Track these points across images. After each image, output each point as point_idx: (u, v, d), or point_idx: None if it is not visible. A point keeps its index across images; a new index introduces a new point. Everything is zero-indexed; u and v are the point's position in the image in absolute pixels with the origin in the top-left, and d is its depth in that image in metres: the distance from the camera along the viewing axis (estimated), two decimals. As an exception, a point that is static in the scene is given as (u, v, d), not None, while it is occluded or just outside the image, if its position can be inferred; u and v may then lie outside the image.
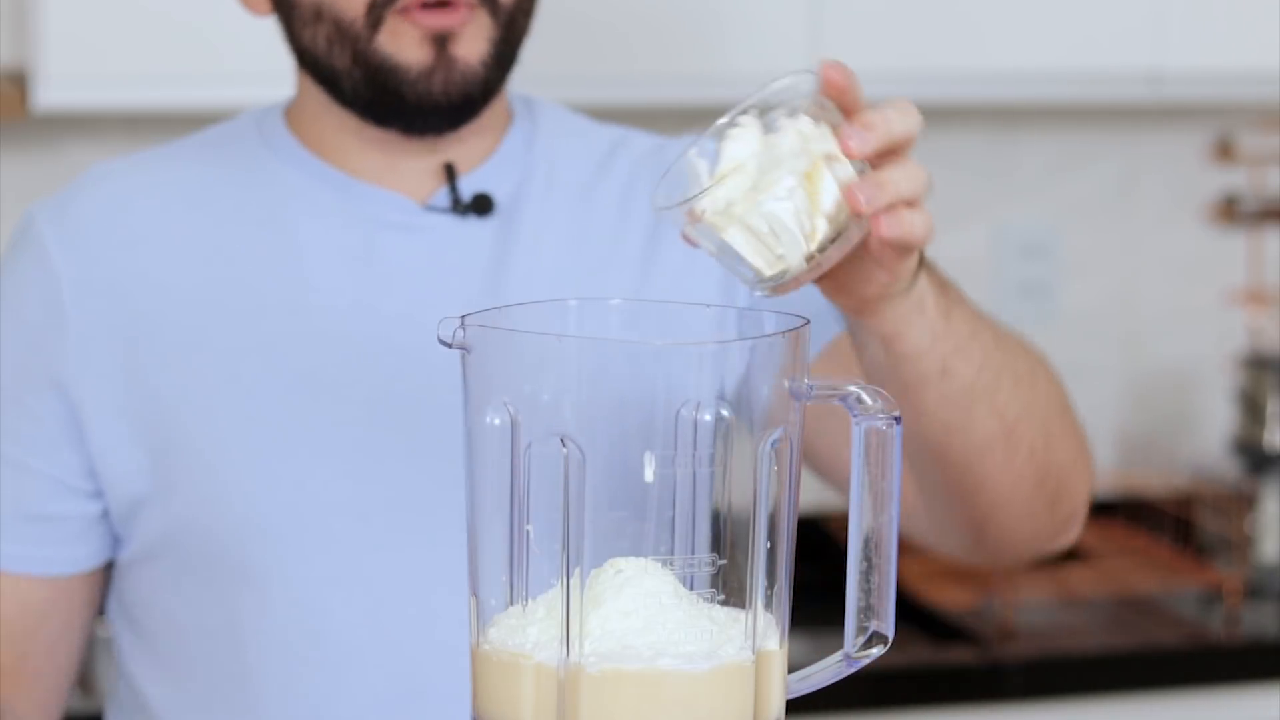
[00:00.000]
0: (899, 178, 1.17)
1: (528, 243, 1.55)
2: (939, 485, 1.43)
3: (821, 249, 1.16)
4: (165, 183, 1.56)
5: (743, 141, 1.15)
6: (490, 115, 1.56)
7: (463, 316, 1.11)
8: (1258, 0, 2.65)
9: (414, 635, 1.49)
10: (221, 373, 1.51)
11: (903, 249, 1.21)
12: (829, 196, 1.16)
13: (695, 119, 1.25)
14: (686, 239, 1.18)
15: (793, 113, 1.15)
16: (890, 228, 1.17)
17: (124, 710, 1.59)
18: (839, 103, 1.18)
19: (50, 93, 2.30)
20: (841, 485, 1.51)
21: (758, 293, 1.19)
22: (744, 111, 1.16)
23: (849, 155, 1.16)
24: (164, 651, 1.54)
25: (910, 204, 1.19)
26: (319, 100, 1.55)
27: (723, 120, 1.17)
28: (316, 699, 1.50)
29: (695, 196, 1.15)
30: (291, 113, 1.58)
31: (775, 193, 1.14)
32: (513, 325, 1.14)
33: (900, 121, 1.18)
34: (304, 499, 1.50)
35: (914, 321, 1.29)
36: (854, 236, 1.16)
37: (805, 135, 1.15)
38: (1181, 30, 2.63)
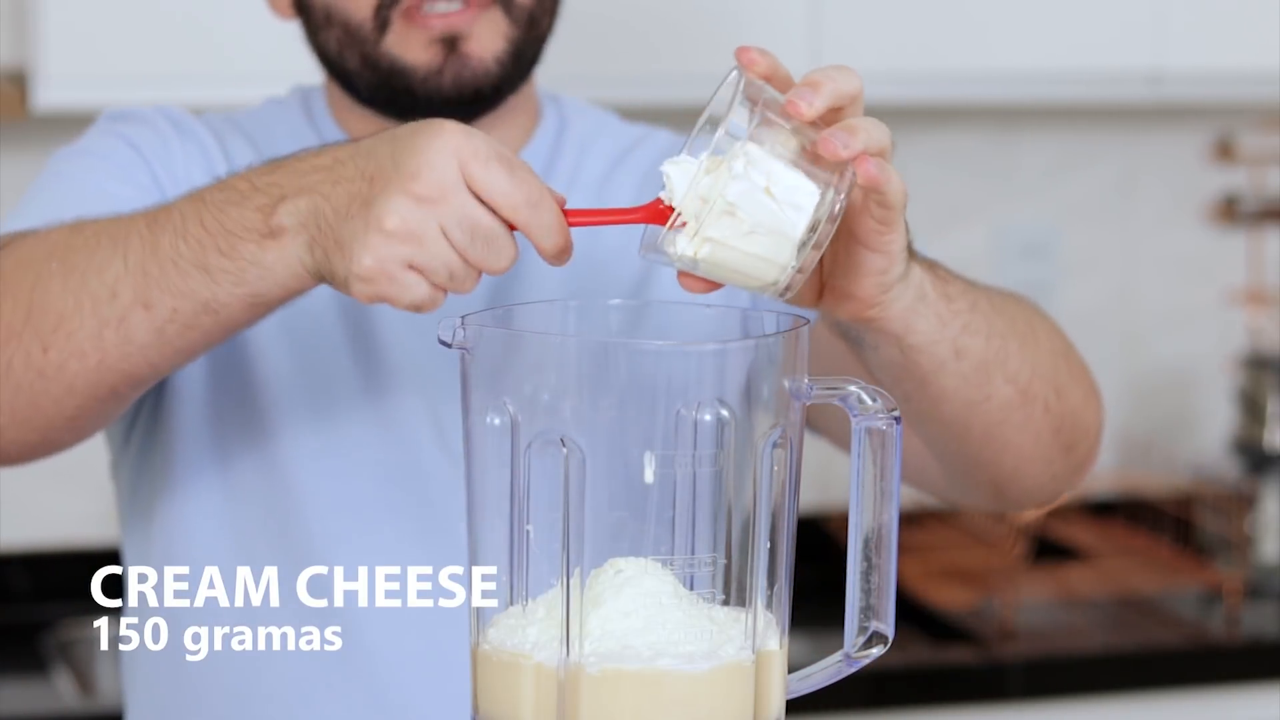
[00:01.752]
0: (866, 125, 1.15)
1: None
2: (961, 456, 1.44)
3: (802, 238, 1.14)
4: (230, 147, 1.58)
5: (682, 170, 1.14)
6: (518, 111, 1.58)
7: (463, 317, 1.11)
8: (1258, 0, 2.65)
9: (438, 632, 1.49)
10: (279, 329, 1.53)
11: (884, 212, 1.19)
12: (793, 190, 1.14)
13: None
14: (684, 278, 1.18)
15: (735, 120, 1.13)
16: (872, 169, 1.15)
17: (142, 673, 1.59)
18: (771, 84, 1.16)
19: (50, 93, 2.30)
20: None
21: (779, 297, 1.17)
22: (692, 140, 1.15)
23: (799, 118, 1.13)
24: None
25: (882, 154, 1.17)
26: (344, 97, 1.58)
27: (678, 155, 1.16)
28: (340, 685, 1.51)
29: (658, 240, 1.14)
30: (329, 102, 1.61)
31: (730, 176, 1.12)
32: (513, 325, 1.14)
33: (844, 78, 1.16)
34: (336, 465, 1.52)
35: (919, 310, 1.28)
36: (835, 208, 1.14)
37: (750, 155, 1.13)
38: (1181, 30, 2.63)
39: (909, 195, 1.20)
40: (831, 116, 1.16)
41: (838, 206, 1.14)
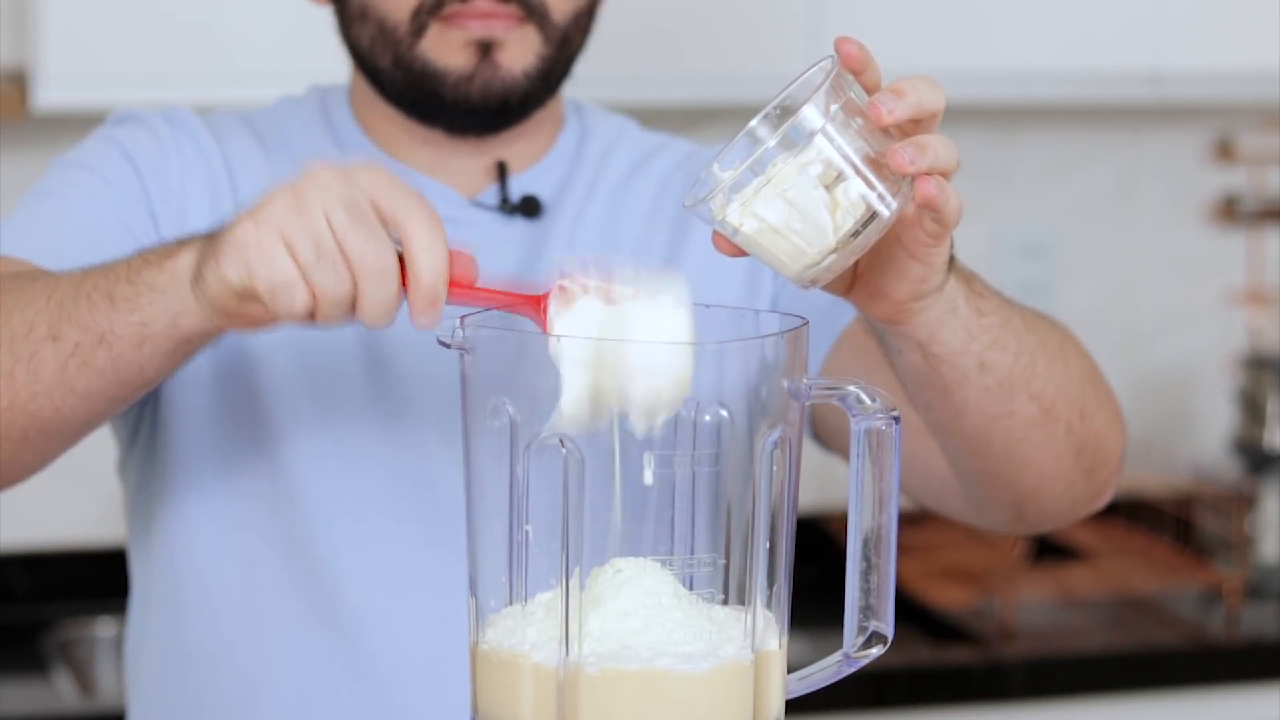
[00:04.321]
0: (937, 144, 1.16)
1: (562, 242, 1.56)
2: (980, 472, 1.44)
3: (844, 239, 1.14)
4: (233, 150, 1.58)
5: (754, 146, 1.15)
6: (542, 119, 1.59)
7: (462, 317, 1.11)
8: (1258, 0, 2.65)
9: (441, 634, 1.49)
10: (285, 332, 1.52)
11: (937, 228, 1.20)
12: (851, 190, 1.14)
13: (729, 118, 1.24)
14: (717, 238, 1.18)
15: (815, 108, 1.13)
16: (931, 188, 1.16)
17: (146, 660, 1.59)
18: (860, 81, 1.17)
19: (50, 93, 2.30)
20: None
21: (803, 286, 1.17)
22: (766, 115, 1.15)
23: (879, 122, 1.14)
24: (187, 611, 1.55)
25: (944, 174, 1.18)
26: (369, 93, 1.58)
27: (751, 124, 1.16)
28: (337, 686, 1.51)
29: (708, 196, 1.15)
30: (352, 96, 1.61)
31: (797, 165, 1.13)
32: (513, 325, 1.14)
33: (929, 92, 1.17)
34: (342, 474, 1.52)
35: (948, 322, 1.28)
36: (885, 216, 1.15)
37: (819, 148, 1.14)
38: (1181, 30, 2.63)
39: (963, 212, 1.20)
40: (908, 127, 1.17)
41: (888, 216, 1.14)
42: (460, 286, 1.17)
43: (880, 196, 1.14)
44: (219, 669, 1.54)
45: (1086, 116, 2.98)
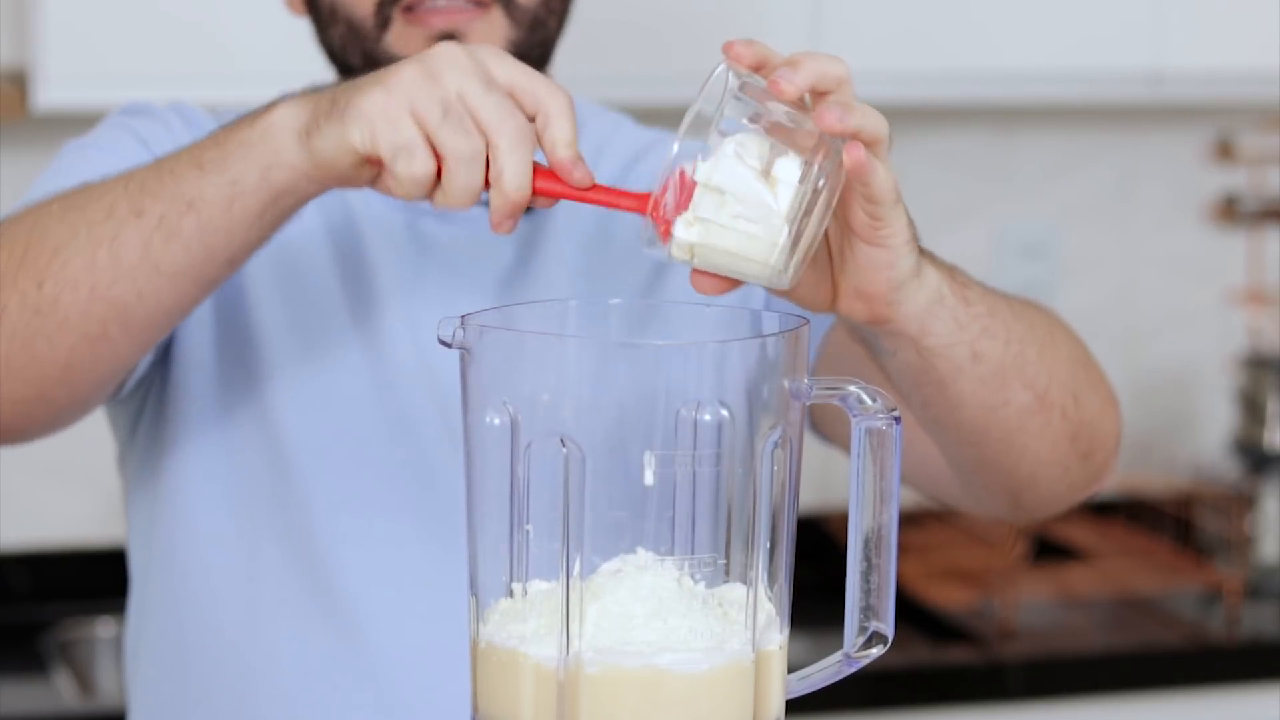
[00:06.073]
0: (864, 109, 1.16)
1: (554, 238, 1.56)
2: (977, 462, 1.44)
3: (791, 212, 1.14)
4: None
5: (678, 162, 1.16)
6: None
7: (463, 316, 1.11)
8: (1258, 0, 2.65)
9: (441, 629, 1.49)
10: (286, 318, 1.53)
11: (873, 206, 1.20)
12: (782, 169, 1.14)
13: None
14: (696, 278, 1.19)
15: (724, 120, 1.14)
16: (859, 151, 1.15)
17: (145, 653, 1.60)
18: (763, 73, 1.17)
19: (50, 93, 2.30)
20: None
21: (782, 282, 1.17)
22: (682, 135, 1.16)
23: (782, 96, 1.15)
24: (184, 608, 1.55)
25: (874, 145, 1.17)
26: None
27: (673, 149, 1.16)
28: (339, 683, 1.51)
29: (656, 234, 1.16)
30: None
31: (718, 164, 1.14)
32: (513, 325, 1.14)
33: (828, 61, 1.17)
34: (343, 467, 1.52)
35: (936, 313, 1.28)
36: (818, 180, 1.15)
37: (740, 140, 1.15)
38: (1181, 30, 2.63)
39: (900, 191, 1.20)
40: (820, 101, 1.17)
41: (821, 181, 1.14)
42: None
43: (805, 165, 1.14)
44: (218, 662, 1.54)
45: (1086, 116, 2.98)
